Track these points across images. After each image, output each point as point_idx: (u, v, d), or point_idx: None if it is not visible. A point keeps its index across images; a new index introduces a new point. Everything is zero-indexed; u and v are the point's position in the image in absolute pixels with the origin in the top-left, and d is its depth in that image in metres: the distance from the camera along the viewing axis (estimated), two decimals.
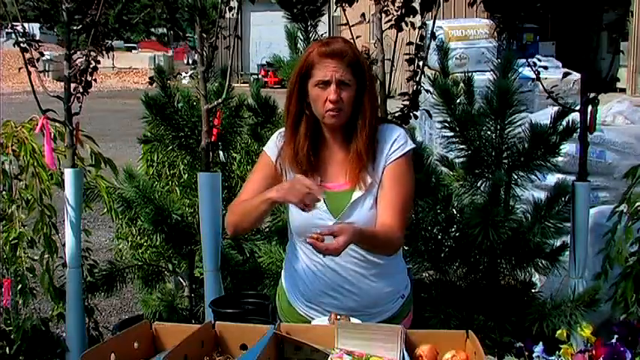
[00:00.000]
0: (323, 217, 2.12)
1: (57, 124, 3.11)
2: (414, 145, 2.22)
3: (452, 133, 3.14)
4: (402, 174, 2.15)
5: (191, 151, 3.40)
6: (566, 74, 2.95)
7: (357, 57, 2.13)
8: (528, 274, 3.21)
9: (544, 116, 3.52)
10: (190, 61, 25.29)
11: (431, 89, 3.18)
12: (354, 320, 1.99)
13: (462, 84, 3.24)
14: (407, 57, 3.10)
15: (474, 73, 3.37)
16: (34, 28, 3.45)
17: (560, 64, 8.57)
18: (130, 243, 4.50)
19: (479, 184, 3.15)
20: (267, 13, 20.95)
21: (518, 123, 3.08)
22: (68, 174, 3.04)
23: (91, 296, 3.44)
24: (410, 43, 3.09)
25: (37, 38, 3.04)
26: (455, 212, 3.11)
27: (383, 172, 2.14)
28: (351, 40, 2.25)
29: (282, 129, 2.26)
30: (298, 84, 2.13)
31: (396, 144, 2.16)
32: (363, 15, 3.06)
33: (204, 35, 2.95)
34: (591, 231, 3.02)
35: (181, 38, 3.81)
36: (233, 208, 2.23)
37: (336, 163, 2.18)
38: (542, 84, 3.04)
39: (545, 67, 3.03)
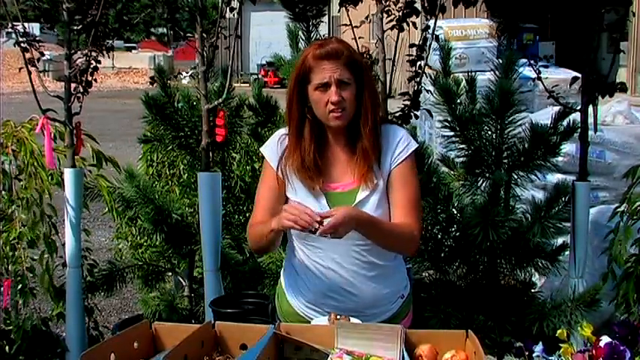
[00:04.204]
0: None
1: (57, 123, 3.11)
2: (417, 145, 2.23)
3: (452, 133, 3.14)
4: (409, 174, 2.17)
5: (191, 150, 3.40)
6: (575, 78, 2.94)
7: (353, 55, 2.13)
8: (528, 274, 3.21)
9: (544, 116, 3.52)
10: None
11: (431, 89, 3.18)
12: (353, 320, 1.99)
13: (464, 83, 3.24)
14: (409, 58, 3.10)
15: (476, 73, 3.37)
16: (34, 28, 3.44)
17: (558, 67, 8.58)
18: (129, 243, 4.50)
19: (479, 184, 3.15)
20: (267, 12, 20.97)
21: (518, 123, 3.08)
22: (68, 174, 3.04)
23: (91, 296, 3.43)
24: (412, 45, 3.09)
25: (38, 38, 3.03)
26: (455, 212, 3.11)
27: (390, 174, 2.15)
28: (353, 41, 2.25)
29: (282, 130, 2.26)
30: (297, 89, 2.13)
31: (401, 145, 2.16)
32: (367, 17, 3.06)
33: (205, 35, 2.95)
34: (591, 231, 3.02)
35: (182, 38, 3.80)
36: (250, 229, 2.23)
37: (340, 163, 2.18)
38: (543, 84, 3.04)
39: (546, 66, 3.02)
